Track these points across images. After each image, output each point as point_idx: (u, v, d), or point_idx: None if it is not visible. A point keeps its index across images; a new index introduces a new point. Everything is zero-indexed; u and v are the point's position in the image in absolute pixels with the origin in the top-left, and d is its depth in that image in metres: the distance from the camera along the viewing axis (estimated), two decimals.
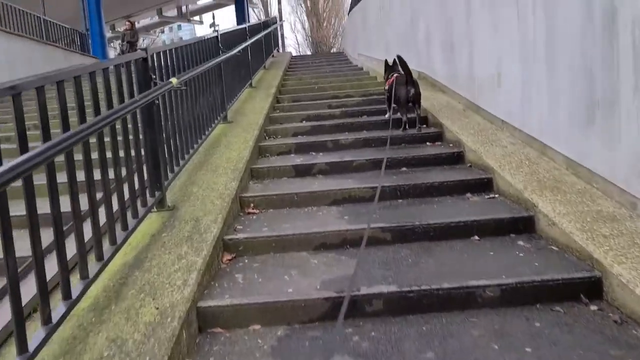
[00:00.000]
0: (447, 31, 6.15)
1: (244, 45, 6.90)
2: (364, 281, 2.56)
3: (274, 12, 40.23)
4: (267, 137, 5.82)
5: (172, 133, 3.74)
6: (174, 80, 3.24)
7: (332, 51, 42.02)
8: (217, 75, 5.56)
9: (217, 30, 5.73)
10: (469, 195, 3.75)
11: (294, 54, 20.28)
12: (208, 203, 3.47)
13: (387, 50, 9.27)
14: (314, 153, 5.12)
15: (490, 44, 4.74)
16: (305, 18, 42.37)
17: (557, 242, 2.79)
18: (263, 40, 10.05)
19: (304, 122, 6.45)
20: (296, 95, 8.17)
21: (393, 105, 5.55)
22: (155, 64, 3.52)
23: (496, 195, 3.64)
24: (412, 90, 5.24)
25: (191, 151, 4.24)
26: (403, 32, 8.43)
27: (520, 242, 2.94)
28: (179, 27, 66.13)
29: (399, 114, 5.49)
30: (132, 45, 14.07)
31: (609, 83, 2.86)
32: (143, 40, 47.97)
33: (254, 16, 39.62)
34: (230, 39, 6.71)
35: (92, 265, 2.34)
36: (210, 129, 5.00)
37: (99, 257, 2.42)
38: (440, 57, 6.62)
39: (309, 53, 42.35)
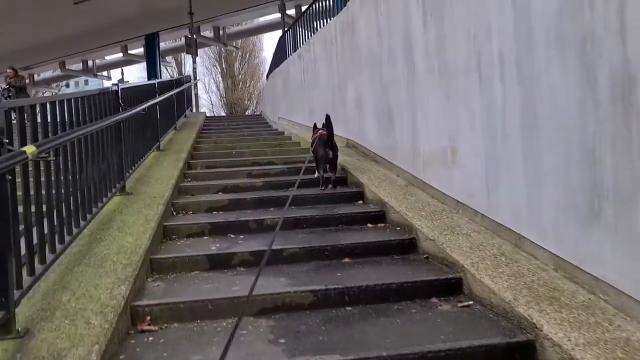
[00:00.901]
0: (383, 98, 5.60)
1: (151, 102, 5.91)
2: None
3: (188, 71, 39.52)
4: (174, 213, 4.78)
5: (35, 219, 2.66)
6: (29, 149, 2.21)
7: (247, 113, 41.82)
8: (114, 137, 4.52)
9: (117, 84, 4.74)
10: (435, 300, 2.95)
11: (208, 114, 19.42)
12: (81, 324, 2.39)
13: (312, 115, 8.66)
14: (233, 236, 4.17)
15: (440, 114, 4.16)
16: (220, 79, 42.02)
17: None
18: (175, 98, 9.11)
19: (221, 194, 5.50)
20: (211, 160, 7.22)
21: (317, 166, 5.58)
22: (23, 121, 2.48)
23: (471, 302, 2.87)
24: (331, 153, 5.41)
25: (68, 238, 3.14)
26: (330, 97, 7.87)
27: None
28: (86, 81, 63.30)
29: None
30: (21, 90, 13.02)
31: (625, 170, 2.25)
32: (43, 93, 44.94)
33: (167, 75, 38.59)
34: (135, 95, 5.72)
35: None
36: (100, 205, 3.92)
37: None
38: (374, 126, 6.04)
39: (223, 114, 41.75)
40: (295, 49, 10.28)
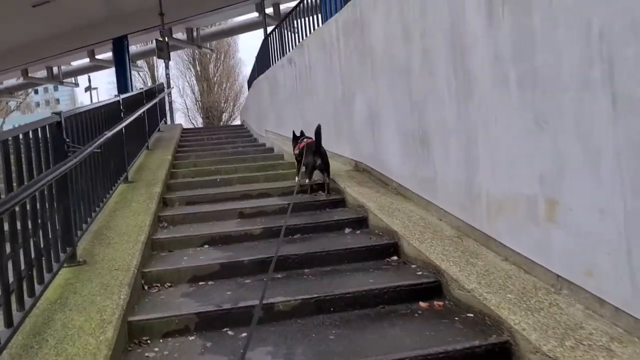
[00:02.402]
0: (413, 117, 4.35)
1: (112, 132, 4.54)
2: None
3: (161, 75, 37.81)
4: (146, 288, 3.47)
5: None
6: None
7: (223, 118, 40.15)
8: (56, 191, 3.19)
9: (59, 113, 3.39)
10: None
11: (183, 120, 17.96)
12: None
13: (308, 130, 7.38)
14: (231, 333, 2.88)
15: (523, 145, 2.93)
16: (195, 82, 40.36)
17: None
18: (146, 114, 7.71)
19: (207, 247, 4.22)
20: (192, 194, 5.87)
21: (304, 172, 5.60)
22: None
23: None
24: (319, 161, 5.41)
25: None
26: (331, 109, 6.60)
27: None
28: (55, 88, 60.66)
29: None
30: None
31: None
32: (7, 102, 42.72)
33: (139, 80, 36.82)
34: (89, 122, 4.36)
35: None
36: (33, 298, 2.60)
37: None
38: (398, 150, 4.79)
39: (199, 118, 40.02)
40: (284, 52, 8.96)
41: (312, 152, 5.45)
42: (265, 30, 16.09)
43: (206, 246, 4.26)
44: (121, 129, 5.03)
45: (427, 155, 4.17)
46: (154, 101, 8.95)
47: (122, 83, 20.92)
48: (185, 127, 14.09)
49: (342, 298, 3.07)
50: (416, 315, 2.94)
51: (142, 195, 5.30)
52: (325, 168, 5.43)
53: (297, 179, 5.80)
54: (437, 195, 4.07)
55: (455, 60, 3.58)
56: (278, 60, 9.38)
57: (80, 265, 3.42)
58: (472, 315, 2.80)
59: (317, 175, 5.63)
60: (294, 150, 6.04)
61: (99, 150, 3.88)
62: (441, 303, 3.04)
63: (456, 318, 2.82)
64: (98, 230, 4.17)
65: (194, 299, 3.21)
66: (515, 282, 2.85)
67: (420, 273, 3.35)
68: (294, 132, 6.14)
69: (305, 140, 5.83)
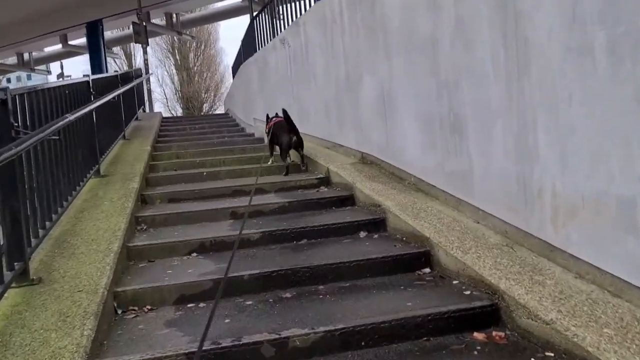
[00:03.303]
0: (442, 98, 3.66)
1: (78, 114, 3.74)
2: None
3: (138, 63, 36.52)
4: (119, 312, 2.73)
5: None
6: None
7: (204, 108, 38.98)
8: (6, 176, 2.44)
9: (4, 90, 2.61)
10: None
11: (163, 110, 16.99)
12: None
13: (303, 118, 6.66)
14: None
15: (615, 131, 2.25)
16: (175, 71, 39.10)
17: None
18: (122, 99, 6.88)
19: (195, 256, 3.49)
20: (174, 189, 5.12)
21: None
22: None
23: None
24: (294, 138, 5.57)
25: None
26: (332, 94, 5.87)
27: None
28: (29, 76, 58.43)
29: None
30: None
31: None
32: None
33: (116, 68, 35.43)
34: (50, 104, 3.57)
35: None
36: None
37: None
38: (417, 138, 4.09)
39: (179, 109, 38.81)
40: (274, 33, 8.17)
41: (286, 130, 5.58)
42: (251, 15, 15.20)
43: (194, 254, 3.53)
44: (90, 112, 4.23)
45: (460, 144, 3.48)
46: (131, 85, 8.10)
47: (97, 70, 19.79)
48: (165, 116, 13.20)
49: (375, 329, 2.37)
50: (475, 352, 2.25)
51: (116, 191, 4.52)
52: (299, 144, 5.63)
53: (270, 161, 5.92)
54: (473, 193, 3.39)
55: (506, 28, 2.88)
56: (269, 42, 8.59)
57: (34, 286, 2.66)
58: (552, 355, 2.13)
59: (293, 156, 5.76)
60: (265, 132, 6.23)
61: (57, 137, 3.09)
62: (502, 334, 2.37)
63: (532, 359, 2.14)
64: (60, 236, 3.40)
65: (182, 331, 2.48)
66: (607, 310, 2.19)
67: (468, 293, 2.67)
68: (267, 115, 6.23)
69: (273, 119, 5.92)
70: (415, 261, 3.15)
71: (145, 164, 5.77)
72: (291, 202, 4.45)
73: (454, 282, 2.85)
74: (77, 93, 4.50)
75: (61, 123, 2.99)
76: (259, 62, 9.14)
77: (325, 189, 5.00)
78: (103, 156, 5.50)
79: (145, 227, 4.08)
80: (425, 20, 3.78)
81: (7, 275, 2.48)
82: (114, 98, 5.77)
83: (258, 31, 9.41)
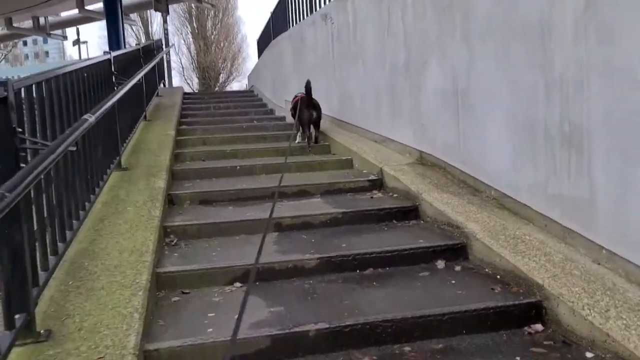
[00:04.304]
0: (552, 99, 2.91)
1: (100, 111, 3.02)
2: None
3: (155, 31, 35.65)
4: None
5: None
6: None
7: (220, 77, 38.04)
8: None
9: (3, 84, 1.92)
10: None
11: (178, 80, 16.22)
12: None
13: (345, 104, 5.92)
14: None
15: None
16: (192, 40, 38.18)
17: None
18: (143, 80, 6.17)
19: (239, 286, 2.85)
20: (205, 187, 4.48)
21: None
22: None
23: None
24: (315, 114, 5.70)
25: None
26: (386, 79, 5.11)
27: None
28: (45, 40, 57.70)
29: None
30: None
31: None
32: None
33: (132, 34, 34.58)
34: (65, 95, 2.89)
35: None
36: None
37: None
38: (508, 146, 3.36)
39: (195, 79, 37.96)
40: (313, 6, 7.35)
41: (306, 105, 5.63)
42: None
43: (238, 284, 2.87)
44: (113, 104, 3.52)
45: (577, 163, 2.75)
46: (155, 61, 7.37)
47: (114, 37, 18.96)
48: (184, 89, 12.46)
49: None
50: None
51: (141, 192, 3.87)
52: (317, 122, 5.74)
53: (297, 138, 5.89)
54: (593, 226, 2.67)
55: None
56: (306, 17, 7.78)
57: (41, 344, 2.02)
58: None
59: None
60: (290, 109, 6.22)
61: (75, 149, 2.40)
62: None
63: None
64: (76, 258, 2.76)
65: None
66: None
67: None
68: (295, 96, 6.15)
69: (299, 94, 5.92)
70: (524, 315, 2.46)
71: (170, 153, 5.12)
72: (345, 212, 3.77)
73: (588, 354, 2.16)
74: (96, 76, 3.81)
75: (79, 130, 2.30)
76: (294, 39, 8.33)
77: (380, 195, 4.31)
78: (125, 144, 4.85)
79: (175, 241, 3.42)
80: (533, 1, 3.01)
81: (5, 337, 1.84)
82: (139, 80, 5.06)
83: (292, 4, 8.58)
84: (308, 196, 4.31)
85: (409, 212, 3.81)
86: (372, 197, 4.24)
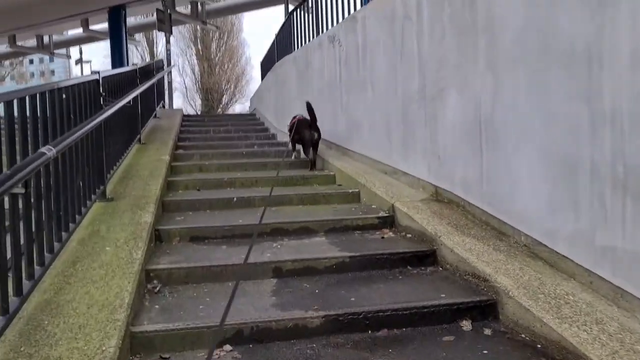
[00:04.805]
0: (599, 135, 2.49)
1: (76, 135, 2.61)
2: None
3: (160, 52, 35.62)
4: None
5: None
6: None
7: (223, 99, 37.87)
8: None
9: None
10: None
11: (181, 101, 15.90)
12: None
13: (355, 133, 5.51)
14: None
15: None
16: (196, 61, 38.18)
17: None
18: (139, 99, 5.79)
19: (229, 351, 2.39)
20: (197, 221, 4.04)
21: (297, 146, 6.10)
22: None
23: None
24: (316, 135, 5.69)
25: None
26: (397, 107, 4.71)
27: None
28: (51, 58, 57.86)
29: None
30: None
31: None
32: None
33: (137, 55, 34.54)
34: (35, 113, 2.48)
35: None
36: None
37: None
38: (542, 188, 2.92)
39: (198, 99, 37.78)
40: (320, 28, 7.01)
41: (308, 126, 5.69)
42: (287, 7, 14.03)
43: (227, 348, 2.42)
44: (99, 124, 3.11)
45: (634, 213, 2.31)
46: (151, 82, 7.01)
47: (117, 57, 18.80)
48: (183, 110, 12.08)
49: None
50: None
51: (124, 227, 3.43)
52: (317, 144, 5.76)
53: (293, 155, 6.19)
54: None
55: None
56: (312, 39, 7.42)
57: None
58: None
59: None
60: (287, 131, 6.27)
61: (24, 191, 1.97)
62: None
63: None
64: (35, 313, 2.32)
65: None
66: None
67: None
68: (294, 116, 6.16)
69: (297, 116, 6.00)
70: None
71: (162, 182, 4.69)
72: (353, 257, 3.32)
73: None
74: (80, 96, 3.40)
75: (29, 168, 1.85)
76: (299, 62, 7.97)
77: (391, 234, 3.87)
78: (112, 171, 4.43)
79: (159, 288, 2.97)
80: (579, 22, 2.61)
81: None
82: (128, 103, 4.66)
83: (297, 25, 8.25)
84: (311, 234, 3.87)
85: (425, 258, 3.36)
86: (382, 237, 3.80)
